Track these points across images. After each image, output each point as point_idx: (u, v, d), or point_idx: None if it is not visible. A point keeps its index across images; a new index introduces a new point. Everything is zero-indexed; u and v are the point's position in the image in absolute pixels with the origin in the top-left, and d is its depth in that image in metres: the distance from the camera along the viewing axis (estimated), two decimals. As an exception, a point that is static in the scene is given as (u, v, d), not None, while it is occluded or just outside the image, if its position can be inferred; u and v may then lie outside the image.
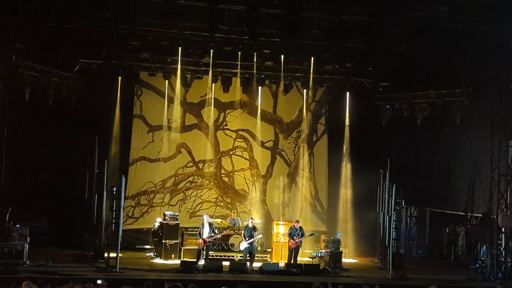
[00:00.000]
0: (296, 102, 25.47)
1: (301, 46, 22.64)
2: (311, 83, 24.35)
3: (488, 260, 19.73)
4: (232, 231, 21.47)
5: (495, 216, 20.00)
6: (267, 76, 24.18)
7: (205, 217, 20.09)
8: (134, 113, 24.37)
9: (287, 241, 20.21)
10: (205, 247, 19.58)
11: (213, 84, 24.08)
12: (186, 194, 24.69)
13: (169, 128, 24.48)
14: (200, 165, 24.92)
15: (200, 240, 19.60)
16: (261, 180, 25.25)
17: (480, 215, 22.10)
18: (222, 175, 25.10)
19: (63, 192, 21.95)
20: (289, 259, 19.96)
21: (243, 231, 20.28)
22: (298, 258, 20.22)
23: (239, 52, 22.74)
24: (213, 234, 19.74)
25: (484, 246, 20.29)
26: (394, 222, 19.61)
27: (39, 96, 20.97)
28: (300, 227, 20.15)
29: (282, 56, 22.89)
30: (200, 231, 19.68)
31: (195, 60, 23.32)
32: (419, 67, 22.52)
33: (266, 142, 25.47)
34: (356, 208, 24.12)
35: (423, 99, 23.47)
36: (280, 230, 21.37)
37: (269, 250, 21.87)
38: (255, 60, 23.14)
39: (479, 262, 20.26)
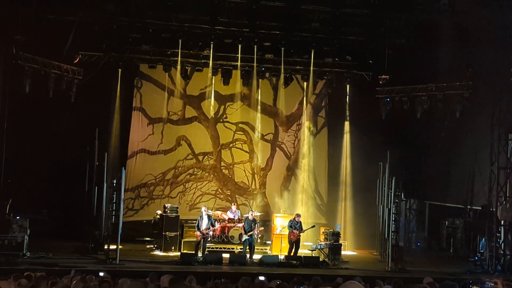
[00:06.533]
0: (296, 95, 25.47)
1: (302, 39, 22.64)
2: (311, 76, 24.35)
3: (487, 253, 19.80)
4: (232, 224, 21.49)
5: (494, 209, 20.05)
6: (267, 68, 24.15)
7: (203, 209, 20.11)
8: (134, 105, 24.38)
9: (288, 233, 20.24)
10: (203, 239, 19.60)
11: (213, 76, 24.06)
12: (186, 187, 24.73)
13: (169, 120, 24.52)
14: (200, 158, 24.95)
15: (198, 232, 19.62)
16: (261, 172, 25.29)
17: (480, 208, 22.14)
18: (222, 168, 25.13)
19: (63, 184, 21.97)
20: (290, 251, 20.01)
21: (243, 224, 20.33)
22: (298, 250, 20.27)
23: (240, 45, 22.70)
24: (210, 227, 19.74)
25: (483, 239, 20.37)
26: (393, 215, 19.66)
27: (39, 88, 20.90)
28: (300, 222, 20.18)
29: (283, 49, 22.85)
30: (198, 223, 19.67)
31: (195, 53, 23.26)
32: (419, 60, 22.47)
33: (266, 135, 25.49)
34: (355, 200, 24.19)
35: (423, 92, 23.42)
36: (280, 222, 21.42)
37: (269, 242, 21.92)
38: (255, 52, 23.05)
39: (478, 255, 20.39)
